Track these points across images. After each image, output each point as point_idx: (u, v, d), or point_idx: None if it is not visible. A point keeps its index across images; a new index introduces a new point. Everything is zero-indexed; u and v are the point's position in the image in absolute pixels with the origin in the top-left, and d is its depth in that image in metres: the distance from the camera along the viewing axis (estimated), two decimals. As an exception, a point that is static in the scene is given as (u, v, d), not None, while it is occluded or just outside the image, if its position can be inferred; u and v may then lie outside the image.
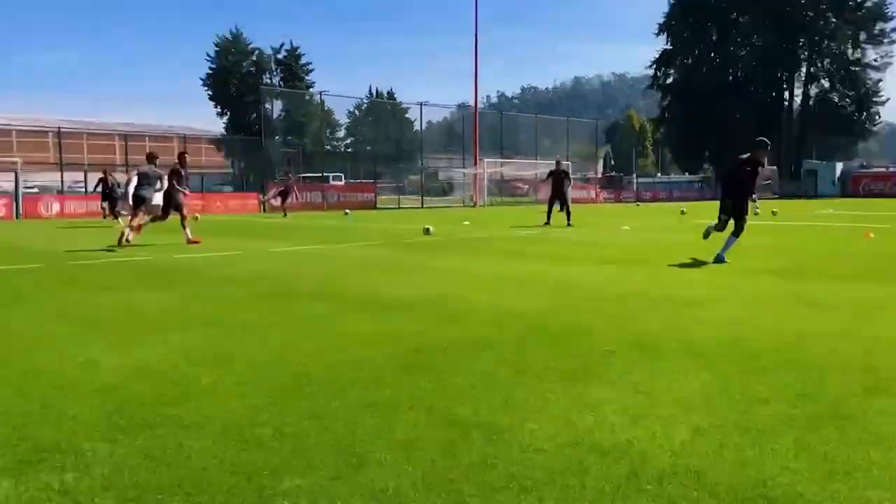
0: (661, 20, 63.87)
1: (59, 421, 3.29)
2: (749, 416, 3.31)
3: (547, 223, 19.50)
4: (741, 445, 2.93)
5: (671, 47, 64.01)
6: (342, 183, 44.06)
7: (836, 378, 3.92)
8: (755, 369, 4.13)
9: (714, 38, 63.14)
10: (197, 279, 8.54)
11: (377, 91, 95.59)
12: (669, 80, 65.06)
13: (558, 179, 20.48)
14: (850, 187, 55.33)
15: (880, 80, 59.90)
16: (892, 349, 4.61)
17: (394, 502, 2.45)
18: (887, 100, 60.68)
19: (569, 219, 19.54)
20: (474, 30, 41.89)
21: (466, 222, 21.54)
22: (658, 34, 64.30)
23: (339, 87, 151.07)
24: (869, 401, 3.51)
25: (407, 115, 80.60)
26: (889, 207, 31.24)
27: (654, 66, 65.37)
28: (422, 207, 38.42)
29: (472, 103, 46.02)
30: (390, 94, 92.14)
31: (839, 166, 58.14)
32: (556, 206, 20.29)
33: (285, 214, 28.70)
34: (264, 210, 35.03)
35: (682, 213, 27.01)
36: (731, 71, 63.40)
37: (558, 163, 22.21)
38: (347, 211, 30.90)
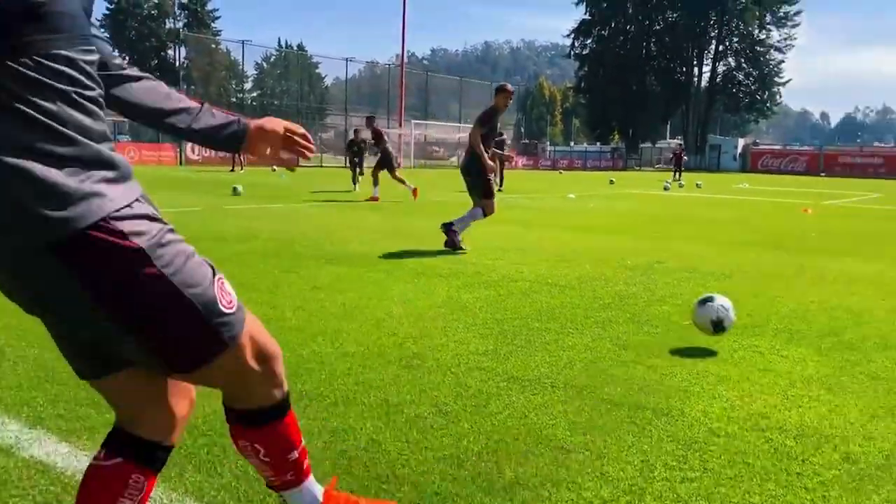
0: (582, -11, 64.54)
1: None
2: (894, 396, 3.32)
3: (500, 189, 19.81)
4: (916, 427, 2.93)
5: (590, 17, 64.81)
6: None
7: (931, 356, 4.01)
8: (842, 346, 4.17)
9: (630, 10, 64.37)
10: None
11: (287, 43, 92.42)
12: (586, 51, 65.97)
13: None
14: (749, 163, 58.16)
15: (782, 62, 62.93)
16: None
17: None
18: (789, 80, 63.87)
19: (501, 183, 19.82)
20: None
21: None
22: (577, 3, 64.99)
23: (245, 37, 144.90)
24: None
25: (318, 70, 78.46)
26: (791, 183, 33.08)
27: (573, 36, 66.09)
28: (346, 166, 37.44)
29: (381, 61, 45.30)
30: (300, 48, 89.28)
31: (741, 142, 60.98)
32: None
33: (233, 169, 27.32)
34: (181, 163, 33.43)
35: (611, 182, 27.62)
36: (644, 44, 64.94)
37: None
38: (275, 167, 29.80)
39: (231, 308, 1.45)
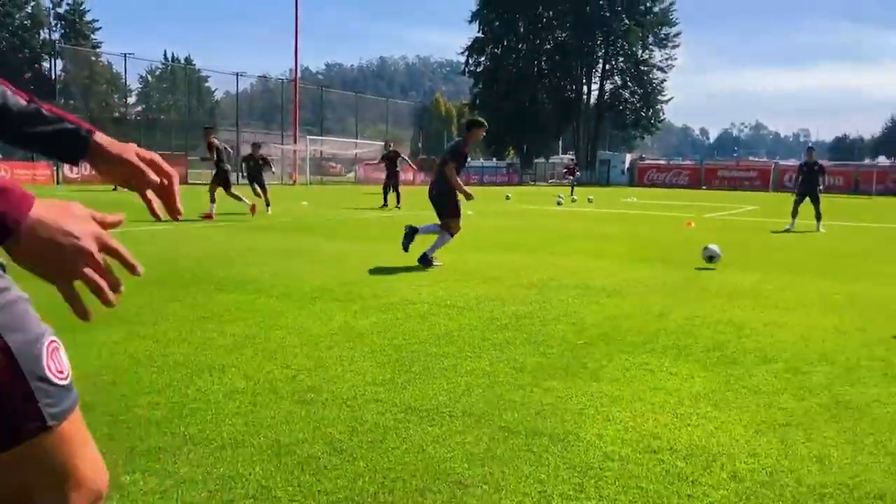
0: (474, 8, 65.69)
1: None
2: (775, 410, 3.47)
3: (384, 205, 19.70)
4: (796, 440, 3.06)
5: (483, 35, 66.03)
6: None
7: (824, 368, 4.23)
8: (726, 361, 4.34)
9: (521, 29, 66.04)
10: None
11: (174, 57, 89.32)
12: (480, 68, 67.12)
13: (393, 162, 20.48)
14: (636, 177, 60.66)
15: (664, 80, 66.14)
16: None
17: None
18: (671, 98, 67.21)
19: (398, 201, 19.65)
20: None
21: (305, 202, 20.89)
22: (471, 22, 66.12)
23: (128, 49, 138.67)
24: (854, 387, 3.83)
25: (207, 84, 76.22)
26: (675, 196, 34.71)
27: (466, 53, 67.11)
28: (238, 183, 36.46)
29: (275, 76, 44.71)
30: (188, 61, 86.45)
31: (628, 157, 63.57)
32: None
33: (115, 188, 26.02)
34: (57, 182, 31.63)
35: (507, 198, 28.11)
36: (535, 62, 66.74)
37: (387, 144, 22.03)
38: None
39: (62, 380, 1.07)
